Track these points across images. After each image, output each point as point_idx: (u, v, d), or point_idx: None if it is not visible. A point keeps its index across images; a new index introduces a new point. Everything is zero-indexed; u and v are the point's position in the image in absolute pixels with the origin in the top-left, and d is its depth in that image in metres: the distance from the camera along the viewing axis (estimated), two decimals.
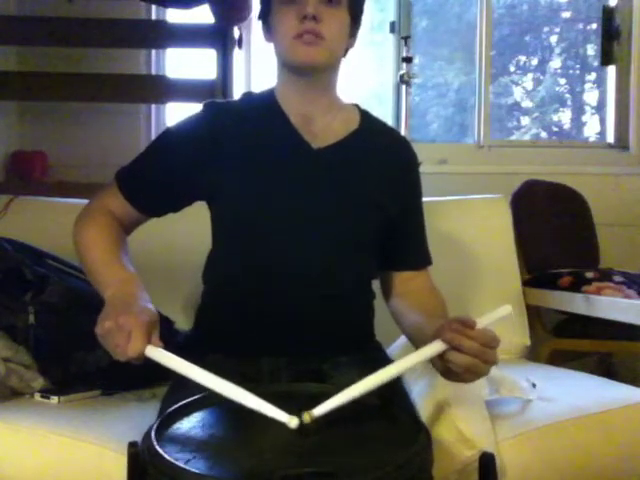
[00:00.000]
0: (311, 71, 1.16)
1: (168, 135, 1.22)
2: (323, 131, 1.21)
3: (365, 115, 1.28)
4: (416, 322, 1.15)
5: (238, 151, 1.17)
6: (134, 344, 0.90)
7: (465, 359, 0.91)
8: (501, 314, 0.97)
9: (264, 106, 1.22)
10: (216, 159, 1.16)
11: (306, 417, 0.82)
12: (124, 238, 1.19)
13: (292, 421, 0.81)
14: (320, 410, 0.84)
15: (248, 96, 1.27)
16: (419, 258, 1.31)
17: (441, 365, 0.96)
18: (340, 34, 1.15)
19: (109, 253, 1.11)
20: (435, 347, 0.93)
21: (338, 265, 1.18)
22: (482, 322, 0.94)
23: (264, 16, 1.20)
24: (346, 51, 1.22)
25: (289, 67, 1.18)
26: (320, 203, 1.17)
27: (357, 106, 1.29)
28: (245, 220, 1.17)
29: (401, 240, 1.28)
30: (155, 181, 1.19)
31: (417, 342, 1.11)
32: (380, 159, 1.25)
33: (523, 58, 3.34)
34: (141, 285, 1.04)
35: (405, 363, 0.93)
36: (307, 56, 1.12)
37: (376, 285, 1.31)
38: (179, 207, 1.24)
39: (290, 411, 0.83)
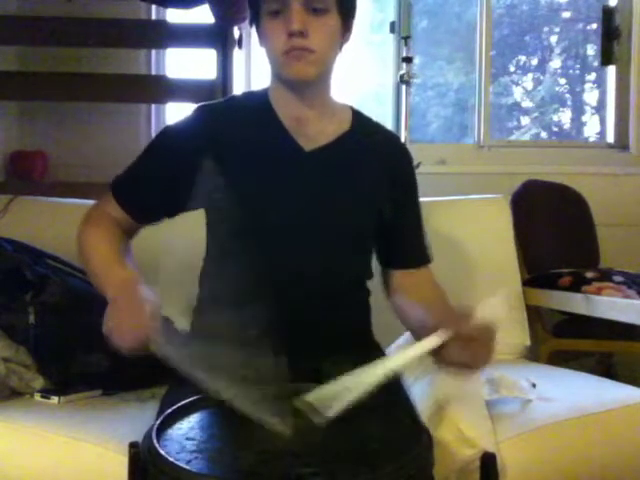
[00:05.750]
0: (303, 84, 1.16)
1: (161, 140, 1.23)
2: (316, 133, 1.21)
3: (357, 115, 1.28)
4: (418, 316, 1.15)
5: (231, 154, 1.17)
6: (136, 338, 0.92)
7: (464, 347, 0.92)
8: (497, 301, 0.96)
9: (258, 108, 1.22)
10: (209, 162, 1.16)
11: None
12: (126, 240, 1.19)
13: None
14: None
15: (245, 95, 1.27)
16: (417, 256, 1.31)
17: (445, 355, 0.96)
18: (330, 42, 1.14)
19: (111, 254, 1.11)
20: (433, 340, 0.94)
21: (334, 265, 1.18)
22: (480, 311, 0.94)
23: (255, 24, 1.18)
24: (341, 45, 1.19)
25: (281, 80, 1.17)
26: (314, 205, 1.17)
27: (350, 107, 1.29)
28: (239, 222, 1.17)
29: (398, 238, 1.28)
30: (150, 188, 1.19)
31: (421, 336, 1.12)
32: (372, 158, 1.25)
33: (523, 58, 3.34)
34: (142, 284, 1.03)
35: (403, 356, 0.94)
36: (298, 72, 1.12)
37: (371, 283, 1.31)
38: (174, 212, 1.23)
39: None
